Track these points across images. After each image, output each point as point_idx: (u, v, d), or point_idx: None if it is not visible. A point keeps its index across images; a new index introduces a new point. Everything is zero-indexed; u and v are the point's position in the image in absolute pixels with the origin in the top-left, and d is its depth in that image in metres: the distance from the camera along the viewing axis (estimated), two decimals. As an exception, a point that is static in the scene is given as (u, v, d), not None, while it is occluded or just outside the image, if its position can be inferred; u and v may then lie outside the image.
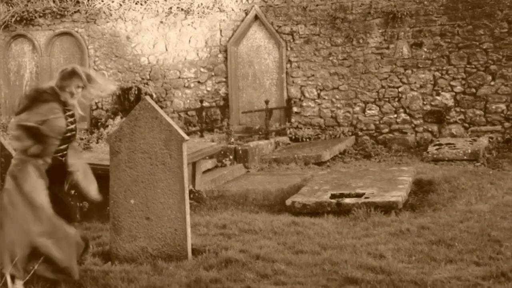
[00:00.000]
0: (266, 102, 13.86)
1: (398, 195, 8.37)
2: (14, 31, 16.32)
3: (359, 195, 8.50)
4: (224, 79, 15.09)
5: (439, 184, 9.42)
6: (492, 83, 13.46)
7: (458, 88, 13.65)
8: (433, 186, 9.37)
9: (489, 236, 6.68)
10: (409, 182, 9.24)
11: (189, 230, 6.28)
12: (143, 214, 6.28)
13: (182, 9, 15.32)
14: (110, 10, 15.75)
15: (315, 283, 4.71)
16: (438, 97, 13.76)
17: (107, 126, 14.76)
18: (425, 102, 13.84)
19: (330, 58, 14.33)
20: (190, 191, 8.62)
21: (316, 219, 7.92)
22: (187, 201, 6.26)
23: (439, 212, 7.99)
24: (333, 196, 8.53)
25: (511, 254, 5.99)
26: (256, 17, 14.84)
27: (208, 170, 11.49)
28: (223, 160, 12.17)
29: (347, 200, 8.30)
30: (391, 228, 7.25)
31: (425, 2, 13.74)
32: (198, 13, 15.17)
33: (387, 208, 8.05)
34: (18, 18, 16.16)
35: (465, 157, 11.78)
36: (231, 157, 12.30)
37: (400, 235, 6.92)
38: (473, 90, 13.58)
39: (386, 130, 14.06)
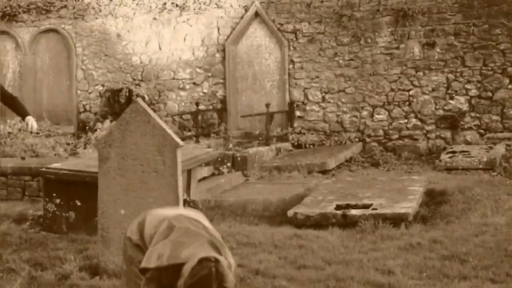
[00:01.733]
0: (267, 105, 13.88)
1: (408, 206, 8.39)
2: (-4, 27, 16.35)
3: (366, 206, 8.52)
4: (221, 81, 15.11)
5: (453, 195, 9.44)
6: (510, 86, 13.48)
7: (473, 92, 13.67)
8: (446, 197, 9.40)
9: (505, 251, 6.70)
10: (420, 192, 9.26)
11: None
12: (134, 225, 6.28)
13: (177, 5, 15.35)
14: (100, 5, 15.78)
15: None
16: (451, 101, 13.78)
17: (96, 130, 14.77)
18: (437, 107, 13.86)
19: (336, 58, 14.35)
20: (185, 201, 8.62)
21: (320, 231, 7.94)
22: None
23: (452, 225, 8.01)
24: (338, 207, 8.56)
25: (529, 271, 6.01)
26: (257, 14, 14.87)
27: (204, 178, 11.49)
28: (220, 168, 12.18)
29: (354, 212, 8.33)
30: (400, 241, 7.27)
31: (438, -1, 13.78)
32: (194, 9, 15.20)
33: (397, 220, 8.07)
34: (0, 14, 16.18)
35: (480, 166, 11.78)
36: (229, 164, 12.31)
37: (410, 250, 6.94)
38: (489, 94, 13.60)
39: (396, 136, 14.07)
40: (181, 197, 6.29)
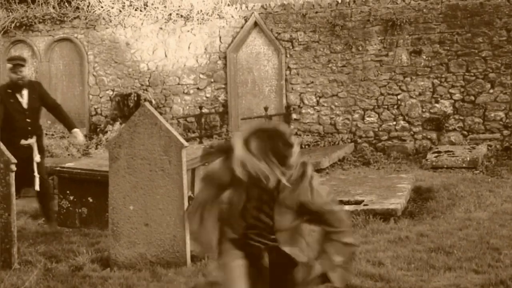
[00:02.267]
0: (265, 108, 13.86)
1: (397, 202, 8.37)
2: (14, 36, 16.33)
3: (358, 202, 8.51)
4: (223, 86, 15.10)
5: (438, 192, 9.43)
6: (491, 91, 13.48)
7: (457, 96, 13.67)
8: (432, 194, 9.39)
9: (488, 243, 6.68)
10: (408, 189, 9.25)
11: (188, 236, 6.28)
12: (142, 220, 6.28)
13: (181, 16, 15.34)
14: (110, 16, 15.76)
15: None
16: (437, 105, 13.77)
17: (106, 132, 14.76)
18: (424, 110, 13.85)
19: (329, 65, 14.34)
20: (189, 198, 8.60)
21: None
22: (186, 207, 6.26)
23: (438, 220, 8.00)
24: (332, 203, 8.52)
25: (510, 262, 6.00)
26: (256, 24, 14.85)
27: (207, 176, 11.45)
28: (222, 167, 12.14)
29: (346, 207, 8.30)
30: (390, 235, 7.26)
31: (424, 10, 13.76)
32: (197, 19, 15.19)
33: (386, 215, 8.05)
34: (17, 24, 16.17)
35: (464, 165, 11.77)
36: (230, 163, 12.28)
37: (399, 243, 6.93)
38: (472, 98, 13.59)
39: (385, 137, 14.06)
40: (186, 194, 6.29)
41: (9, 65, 8.35)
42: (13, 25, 16.15)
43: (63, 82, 16.30)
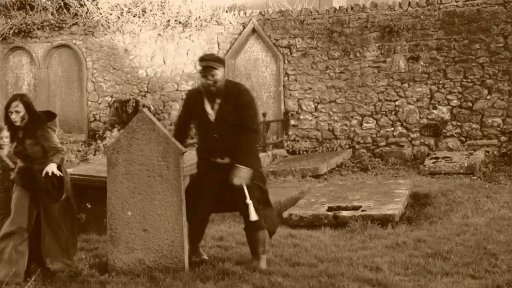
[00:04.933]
0: (264, 114, 13.88)
1: (394, 208, 8.38)
2: (12, 43, 16.35)
3: (356, 208, 8.51)
4: (221, 92, 15.10)
5: (436, 197, 9.44)
6: (488, 97, 13.51)
7: (455, 102, 13.70)
8: (429, 199, 9.39)
9: (485, 249, 6.69)
10: (405, 195, 9.25)
11: (186, 242, 6.28)
12: (140, 226, 6.28)
13: (180, 22, 15.37)
14: (108, 22, 15.79)
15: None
16: (434, 111, 13.79)
17: (105, 138, 14.77)
18: (421, 116, 13.87)
19: (327, 71, 14.37)
20: (187, 203, 8.61)
21: (313, 231, 7.93)
22: (184, 213, 6.27)
23: (436, 225, 8.01)
24: (330, 209, 8.54)
25: (507, 268, 6.00)
26: (254, 30, 14.89)
27: (205, 182, 11.45)
28: (220, 173, 12.14)
29: (344, 213, 8.31)
30: (387, 240, 7.26)
31: (422, 17, 13.80)
32: (196, 26, 15.22)
33: (384, 221, 8.06)
34: (16, 31, 16.19)
35: (461, 171, 11.79)
36: (228, 169, 12.28)
37: (396, 248, 6.93)
38: (470, 104, 13.62)
39: (383, 143, 14.08)
40: (184, 200, 6.29)
41: (198, 68, 6.78)
42: (11, 31, 16.18)
43: (61, 88, 16.32)
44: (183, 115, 6.62)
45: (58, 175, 6.13)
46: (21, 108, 6.38)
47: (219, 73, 6.26)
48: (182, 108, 6.67)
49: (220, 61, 6.40)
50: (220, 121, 6.26)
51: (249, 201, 6.13)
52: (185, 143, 6.49)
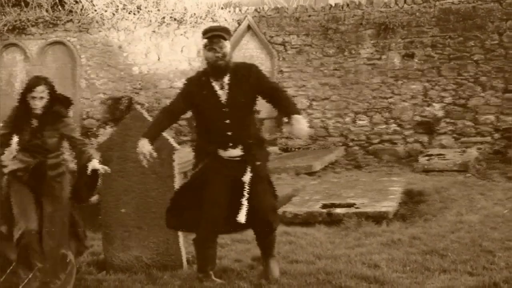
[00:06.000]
0: (258, 112, 13.80)
1: (388, 205, 8.35)
2: (6, 40, 16.24)
3: (350, 205, 8.48)
4: (215, 89, 15.04)
5: (430, 195, 9.41)
6: (482, 94, 13.48)
7: (448, 99, 13.66)
8: (423, 197, 9.37)
9: (480, 246, 6.66)
10: (399, 192, 9.23)
11: (181, 239, 6.24)
12: (135, 223, 6.23)
13: (175, 19, 15.29)
14: (103, 19, 15.70)
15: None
16: (428, 108, 13.76)
17: (98, 135, 14.69)
18: (415, 113, 13.84)
19: (322, 68, 14.31)
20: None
21: (308, 229, 7.89)
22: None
23: (430, 223, 7.98)
24: (324, 206, 8.51)
25: (504, 265, 5.98)
26: (249, 27, 14.82)
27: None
28: (215, 170, 12.08)
29: (338, 210, 8.28)
30: (382, 238, 7.23)
31: (417, 14, 13.76)
32: (190, 23, 15.14)
33: (378, 218, 8.03)
34: (10, 27, 16.08)
35: (455, 168, 11.75)
36: (222, 166, 12.22)
37: (392, 245, 6.90)
38: (463, 101, 13.59)
39: (377, 140, 14.04)
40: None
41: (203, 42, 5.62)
42: (5, 28, 16.06)
43: (56, 85, 16.18)
44: (177, 105, 5.62)
45: (103, 171, 5.54)
46: (46, 94, 5.59)
47: (228, 45, 5.47)
48: (179, 97, 5.60)
49: (229, 32, 5.60)
50: (232, 103, 5.45)
51: (244, 202, 5.40)
52: (159, 135, 5.69)
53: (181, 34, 15.27)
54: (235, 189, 5.45)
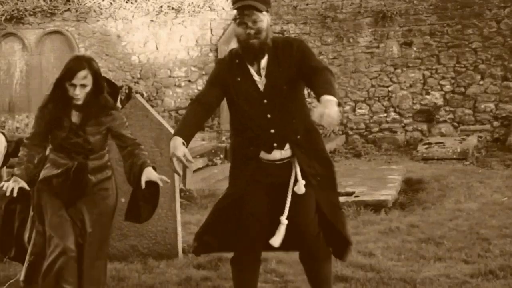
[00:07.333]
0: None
1: (388, 193, 8.39)
2: (4, 29, 16.25)
3: (349, 194, 8.51)
4: (214, 78, 15.07)
5: (429, 183, 9.45)
6: (481, 82, 13.52)
7: (448, 87, 13.70)
8: (422, 185, 9.41)
9: (477, 234, 6.71)
10: (398, 180, 9.27)
11: (179, 228, 6.28)
12: (134, 212, 6.26)
13: (172, 8, 15.30)
14: (101, 8, 15.70)
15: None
16: (427, 96, 13.80)
17: (98, 124, 14.72)
18: (414, 101, 13.88)
19: (320, 57, 14.32)
20: (181, 190, 8.61)
21: (307, 217, 7.92)
22: (178, 199, 6.26)
23: (429, 211, 8.02)
24: (323, 195, 8.53)
25: (499, 252, 6.02)
26: (247, 16, 14.81)
27: (199, 168, 11.47)
28: (214, 159, 12.15)
29: (337, 199, 8.31)
30: (381, 226, 7.27)
31: (415, 2, 13.78)
32: (188, 12, 15.15)
33: (377, 206, 8.06)
34: (8, 17, 16.08)
35: (454, 156, 11.80)
36: (222, 156, 12.28)
37: (389, 233, 6.94)
38: (462, 89, 13.63)
39: (376, 129, 14.09)
40: (177, 186, 6.28)
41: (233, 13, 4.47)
42: (3, 18, 16.06)
43: (54, 75, 16.10)
44: (210, 92, 4.36)
45: (162, 184, 4.35)
46: (89, 80, 4.32)
47: (265, 19, 4.16)
48: (209, 84, 4.40)
49: (266, 2, 4.19)
50: (272, 91, 4.25)
51: (284, 221, 4.22)
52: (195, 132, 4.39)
53: (179, 23, 15.28)
54: (283, 198, 4.29)
